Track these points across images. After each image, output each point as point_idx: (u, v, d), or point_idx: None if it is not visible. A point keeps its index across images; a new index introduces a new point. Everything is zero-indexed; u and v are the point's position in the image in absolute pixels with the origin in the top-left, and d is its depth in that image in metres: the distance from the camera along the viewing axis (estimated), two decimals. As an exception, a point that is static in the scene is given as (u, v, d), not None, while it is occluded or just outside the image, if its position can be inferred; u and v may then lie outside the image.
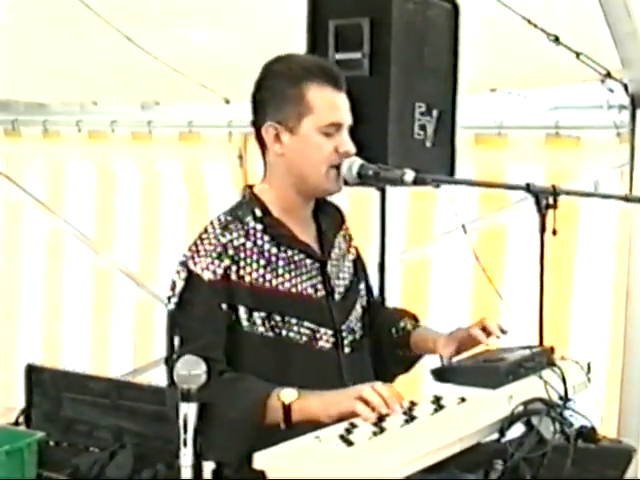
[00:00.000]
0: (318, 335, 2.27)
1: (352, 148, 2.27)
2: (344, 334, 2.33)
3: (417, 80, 2.96)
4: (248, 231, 2.24)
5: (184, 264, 2.21)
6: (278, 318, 2.21)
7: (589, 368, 2.31)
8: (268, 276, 2.22)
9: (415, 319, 2.53)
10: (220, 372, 2.09)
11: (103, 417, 2.79)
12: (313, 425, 1.88)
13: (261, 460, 1.68)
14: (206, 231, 2.24)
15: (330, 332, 2.29)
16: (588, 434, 1.91)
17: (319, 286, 2.30)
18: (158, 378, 4.71)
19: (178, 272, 2.22)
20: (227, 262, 2.18)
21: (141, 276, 5.16)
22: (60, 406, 2.87)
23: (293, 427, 1.99)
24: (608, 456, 1.87)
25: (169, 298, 2.22)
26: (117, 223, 5.34)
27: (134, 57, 4.07)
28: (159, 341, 5.11)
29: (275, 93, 2.26)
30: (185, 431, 1.72)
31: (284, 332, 2.21)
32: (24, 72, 4.54)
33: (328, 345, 2.29)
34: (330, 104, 2.25)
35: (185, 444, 1.72)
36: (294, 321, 2.23)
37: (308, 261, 2.29)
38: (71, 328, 5.53)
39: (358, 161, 2.27)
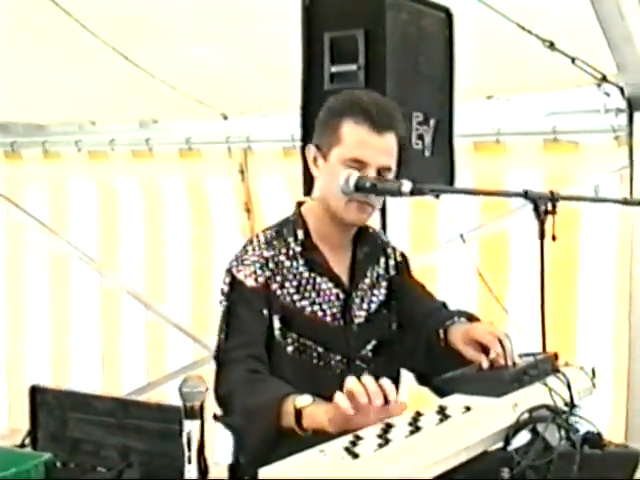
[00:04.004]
0: (333, 362, 2.39)
1: None
2: (357, 362, 2.42)
3: (413, 90, 2.96)
4: (288, 251, 2.39)
5: (229, 271, 2.37)
6: (299, 337, 2.35)
7: (594, 373, 2.31)
8: (296, 297, 2.37)
9: (469, 317, 2.43)
10: (252, 370, 2.20)
11: (109, 436, 2.77)
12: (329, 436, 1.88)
13: (266, 474, 1.68)
14: (251, 242, 2.40)
15: (339, 357, 2.40)
16: (594, 440, 1.90)
17: (338, 315, 2.41)
18: (171, 392, 4.72)
19: (224, 278, 2.38)
20: (268, 273, 2.34)
21: (148, 294, 5.15)
22: (66, 426, 2.85)
23: (313, 435, 1.99)
24: (614, 461, 1.86)
25: (220, 302, 2.37)
26: (121, 241, 5.33)
27: (131, 75, 4.08)
28: (171, 355, 5.15)
29: (321, 121, 2.41)
30: (189, 448, 1.72)
31: (305, 352, 2.36)
32: (21, 93, 4.55)
33: (338, 371, 2.38)
34: (359, 141, 2.31)
35: (190, 461, 1.72)
36: (309, 343, 2.36)
37: (334, 290, 2.41)
38: (80, 348, 5.51)
39: (355, 173, 2.28)
